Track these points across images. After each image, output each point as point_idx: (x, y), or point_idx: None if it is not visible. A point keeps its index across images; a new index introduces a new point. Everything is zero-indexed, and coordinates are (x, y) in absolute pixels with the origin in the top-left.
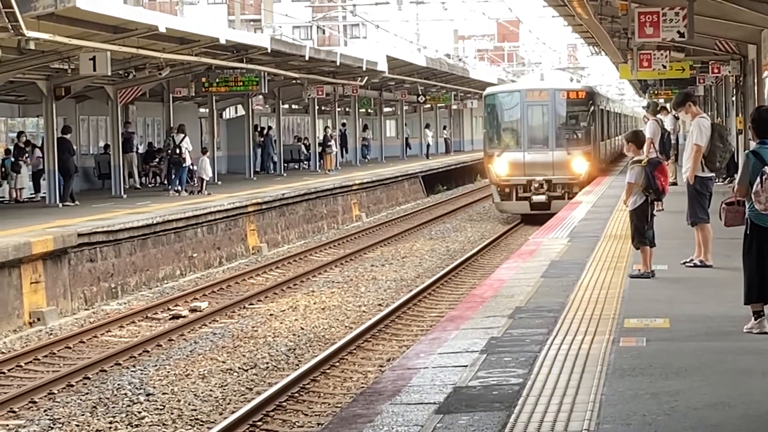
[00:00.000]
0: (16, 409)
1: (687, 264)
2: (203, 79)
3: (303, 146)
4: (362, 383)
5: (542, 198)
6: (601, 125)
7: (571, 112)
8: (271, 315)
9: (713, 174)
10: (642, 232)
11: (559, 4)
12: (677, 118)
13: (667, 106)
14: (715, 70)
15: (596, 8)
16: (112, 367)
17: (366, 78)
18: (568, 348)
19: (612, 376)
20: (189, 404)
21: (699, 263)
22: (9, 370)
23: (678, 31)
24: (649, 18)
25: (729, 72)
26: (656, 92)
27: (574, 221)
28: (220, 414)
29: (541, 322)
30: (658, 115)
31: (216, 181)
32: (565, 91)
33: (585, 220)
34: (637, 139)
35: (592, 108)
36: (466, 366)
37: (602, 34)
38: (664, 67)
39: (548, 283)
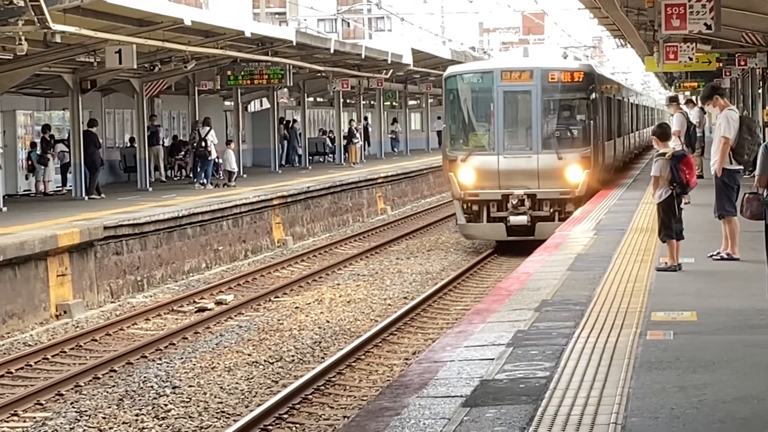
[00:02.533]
0: (43, 402)
1: (714, 257)
2: (228, 72)
3: (328, 139)
4: (388, 376)
5: (523, 219)
6: (607, 119)
7: (565, 100)
8: (296, 308)
9: (741, 167)
10: (668, 225)
11: None
12: (703, 111)
13: (694, 98)
14: (742, 63)
15: (622, 0)
16: (138, 359)
17: (391, 71)
18: (595, 341)
19: (639, 370)
20: (215, 397)
21: (726, 256)
22: (36, 363)
23: (705, 23)
24: (675, 10)
25: (756, 64)
26: (682, 85)
27: (600, 214)
28: (246, 407)
29: (567, 315)
30: (684, 108)
31: (241, 174)
32: (555, 72)
33: (611, 212)
34: (662, 131)
35: (594, 95)
36: (493, 359)
37: (628, 27)
38: (691, 59)
39: (575, 276)
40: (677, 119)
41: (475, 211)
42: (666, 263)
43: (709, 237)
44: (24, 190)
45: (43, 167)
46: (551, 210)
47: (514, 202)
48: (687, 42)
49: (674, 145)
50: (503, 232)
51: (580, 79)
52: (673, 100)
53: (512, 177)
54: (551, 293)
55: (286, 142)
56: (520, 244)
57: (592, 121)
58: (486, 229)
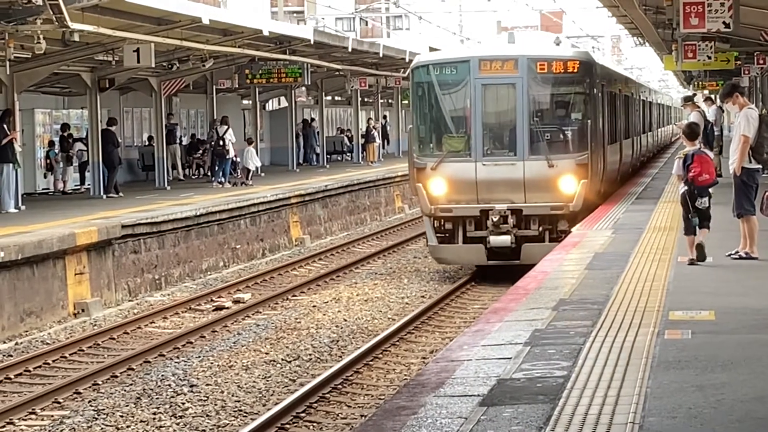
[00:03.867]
0: (61, 400)
1: (732, 256)
2: (246, 71)
3: (346, 138)
4: (406, 375)
5: (506, 240)
6: (610, 118)
7: (557, 95)
8: (314, 306)
9: (760, 165)
10: (685, 219)
11: None
12: (721, 110)
13: (712, 96)
14: (761, 61)
15: None
16: (155, 358)
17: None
18: (613, 340)
19: (657, 369)
20: (232, 395)
21: (744, 255)
22: (54, 361)
23: (723, 22)
24: (694, 9)
25: None
26: (701, 83)
27: (618, 213)
28: (264, 405)
29: (585, 314)
30: (702, 106)
31: (259, 172)
32: (544, 62)
33: (629, 212)
34: (691, 131)
35: (593, 89)
36: (510, 358)
37: (647, 25)
38: (709, 57)
39: (592, 275)
40: (694, 118)
41: (448, 229)
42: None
43: (727, 236)
44: (42, 189)
45: (62, 165)
46: (540, 228)
47: (495, 219)
48: (705, 40)
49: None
50: (482, 256)
51: (576, 70)
52: (688, 100)
53: (493, 188)
54: (569, 292)
55: (303, 140)
56: (504, 269)
57: (590, 121)
58: (462, 252)
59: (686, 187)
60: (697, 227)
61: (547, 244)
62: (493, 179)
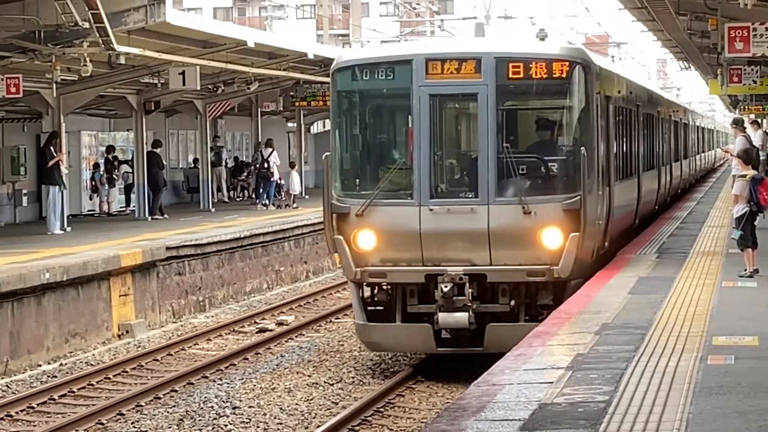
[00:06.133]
0: (104, 421)
1: None
2: (291, 94)
3: None
4: (447, 399)
5: (462, 318)
6: (621, 143)
7: (538, 110)
8: None
9: None
10: (745, 237)
11: (648, 18)
12: (767, 134)
13: (759, 120)
14: None
15: (686, 23)
16: (199, 380)
17: None
18: (655, 365)
19: (699, 395)
20: (275, 418)
21: None
22: (98, 382)
23: None
24: (739, 33)
25: None
26: (747, 107)
27: (663, 237)
28: (306, 428)
29: (627, 339)
30: (749, 129)
31: (303, 195)
32: (519, 62)
33: (674, 236)
34: (748, 156)
35: (590, 103)
36: (552, 382)
37: (692, 49)
38: (755, 82)
39: (636, 300)
40: (739, 142)
41: (381, 302)
42: (746, 270)
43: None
44: (88, 210)
45: (108, 187)
46: (512, 302)
47: (446, 289)
48: (751, 65)
49: (736, 168)
50: (430, 341)
51: (564, 75)
52: (737, 123)
53: (444, 244)
54: (611, 316)
55: None
56: (464, 358)
57: (586, 148)
58: (401, 335)
59: (747, 207)
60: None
61: (523, 325)
62: (445, 231)
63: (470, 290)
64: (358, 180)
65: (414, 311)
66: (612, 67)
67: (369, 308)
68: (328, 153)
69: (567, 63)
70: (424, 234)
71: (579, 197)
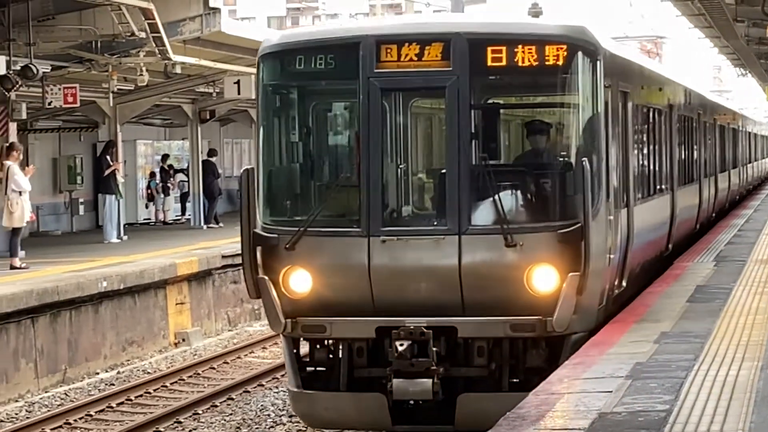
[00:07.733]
0: (162, 429)
1: None
2: None
3: None
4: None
5: (424, 387)
6: (640, 152)
7: (526, 106)
8: None
9: None
10: None
11: (705, 25)
12: None
13: None
14: None
15: (743, 30)
16: (255, 387)
17: None
18: (715, 374)
19: (761, 404)
20: None
21: None
22: (155, 390)
23: None
24: None
25: None
26: None
27: (720, 245)
28: None
29: (687, 348)
30: None
31: None
32: (501, 44)
33: (731, 243)
34: None
35: (595, 98)
36: (611, 391)
37: (749, 56)
38: None
39: (694, 308)
40: None
41: (320, 361)
42: None
43: None
44: (144, 219)
45: (164, 196)
46: (492, 364)
47: (402, 347)
48: None
49: None
50: (384, 415)
51: (560, 61)
52: None
53: (401, 287)
54: (670, 325)
55: None
56: None
57: (590, 158)
58: (346, 407)
59: None
60: None
61: (507, 395)
62: (402, 269)
63: (435, 349)
64: (288, 202)
65: (362, 375)
66: (632, 56)
67: (305, 370)
68: (248, 166)
69: (564, 46)
70: (374, 273)
71: (579, 224)
